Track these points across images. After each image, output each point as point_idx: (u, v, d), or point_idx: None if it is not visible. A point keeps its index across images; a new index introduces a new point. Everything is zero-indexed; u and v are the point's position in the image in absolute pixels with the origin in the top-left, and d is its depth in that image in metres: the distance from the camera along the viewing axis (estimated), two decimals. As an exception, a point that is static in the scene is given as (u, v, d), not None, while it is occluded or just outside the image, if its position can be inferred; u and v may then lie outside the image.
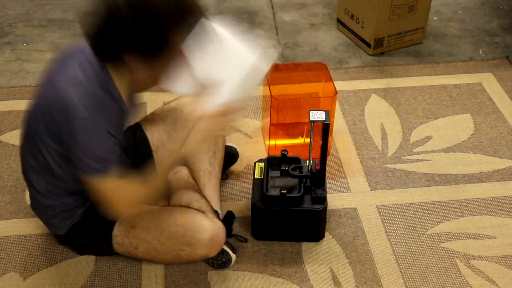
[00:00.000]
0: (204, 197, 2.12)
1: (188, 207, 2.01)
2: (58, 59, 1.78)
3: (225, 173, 2.40)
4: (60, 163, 1.79)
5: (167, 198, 2.12)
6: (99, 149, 1.67)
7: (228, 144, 2.38)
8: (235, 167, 2.44)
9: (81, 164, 1.69)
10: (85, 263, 2.09)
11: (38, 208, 2.00)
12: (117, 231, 1.95)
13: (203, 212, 1.98)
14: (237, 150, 2.41)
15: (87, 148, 1.66)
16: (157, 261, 2.03)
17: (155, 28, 1.57)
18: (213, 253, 1.96)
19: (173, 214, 1.96)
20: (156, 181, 1.78)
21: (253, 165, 2.25)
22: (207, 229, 1.91)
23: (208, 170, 2.19)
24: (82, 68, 1.68)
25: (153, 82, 1.74)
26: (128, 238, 1.95)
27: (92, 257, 2.11)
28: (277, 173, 2.19)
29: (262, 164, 2.23)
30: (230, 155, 2.38)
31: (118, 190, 1.72)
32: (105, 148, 1.68)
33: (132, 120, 1.96)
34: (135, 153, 2.10)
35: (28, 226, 2.22)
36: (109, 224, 1.96)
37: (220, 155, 2.23)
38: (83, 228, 1.98)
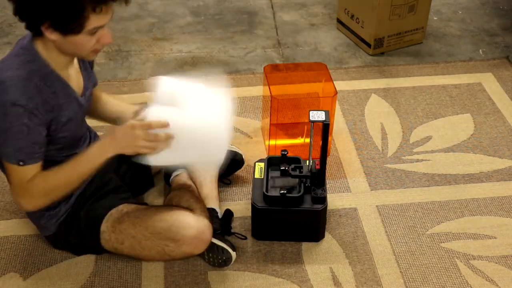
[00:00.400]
0: (197, 196, 2.13)
1: (176, 206, 2.03)
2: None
3: (228, 178, 2.40)
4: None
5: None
6: (12, 138, 1.70)
7: (234, 149, 2.38)
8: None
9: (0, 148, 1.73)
10: (85, 263, 2.09)
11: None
12: (104, 227, 1.97)
13: (191, 210, 1.99)
14: (243, 156, 2.40)
15: (2, 132, 1.70)
16: (143, 257, 2.04)
17: (70, 6, 1.61)
18: (198, 250, 1.96)
19: (159, 210, 1.98)
20: (65, 179, 1.81)
21: (253, 165, 2.25)
22: (191, 225, 1.91)
23: (204, 169, 2.20)
24: (15, 53, 1.75)
25: (77, 50, 1.75)
26: (115, 234, 1.96)
27: (92, 257, 2.11)
28: (277, 173, 2.19)
29: (262, 164, 2.23)
30: (235, 161, 2.37)
31: (27, 184, 1.76)
32: (18, 138, 1.71)
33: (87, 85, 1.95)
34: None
35: (28, 226, 2.22)
36: (97, 221, 1.96)
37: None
38: (71, 227, 1.99)
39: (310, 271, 2.09)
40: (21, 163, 1.74)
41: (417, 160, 2.55)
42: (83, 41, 1.70)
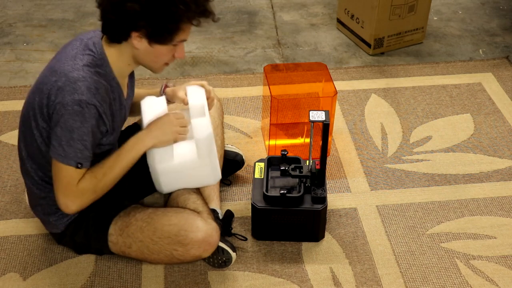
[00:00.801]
0: (202, 198, 2.12)
1: (183, 207, 2.02)
2: (58, 51, 1.85)
3: (229, 179, 2.40)
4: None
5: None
6: (78, 138, 1.71)
7: (234, 150, 2.39)
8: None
9: (56, 145, 1.72)
10: (85, 263, 2.09)
11: (35, 204, 2.01)
12: (112, 230, 1.96)
13: (198, 212, 1.99)
14: (243, 157, 2.40)
15: (69, 131, 1.70)
16: (150, 261, 2.04)
17: (169, 11, 1.65)
18: (206, 253, 1.96)
19: (167, 214, 1.97)
20: (103, 180, 1.83)
21: (253, 165, 2.25)
22: (200, 229, 1.91)
23: None
24: (82, 52, 1.75)
25: (152, 61, 1.81)
26: (122, 237, 1.96)
27: (92, 257, 2.11)
28: (277, 173, 2.19)
29: (262, 164, 2.23)
30: (235, 162, 2.37)
31: (76, 184, 1.77)
32: (83, 140, 1.72)
33: (130, 96, 2.00)
34: None
35: (28, 226, 2.22)
36: (105, 222, 1.96)
37: (218, 154, 2.23)
38: (79, 227, 1.99)
39: (310, 271, 2.09)
40: (79, 165, 1.74)
41: (417, 160, 2.55)
42: (164, 53, 1.76)
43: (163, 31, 1.69)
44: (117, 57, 1.78)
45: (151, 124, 1.90)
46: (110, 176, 1.83)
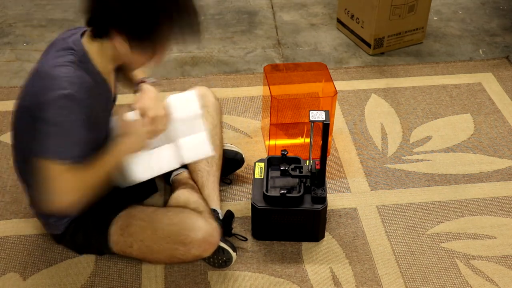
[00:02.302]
0: (203, 197, 2.12)
1: (184, 207, 2.02)
2: (42, 53, 1.84)
3: (229, 178, 2.40)
4: None
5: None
6: (64, 133, 1.68)
7: (234, 149, 2.39)
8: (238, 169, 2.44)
9: (41, 142, 1.68)
10: (85, 263, 2.09)
11: (34, 206, 2.01)
12: (112, 230, 1.96)
13: (199, 212, 1.99)
14: (243, 156, 2.40)
15: (54, 126, 1.66)
16: (151, 260, 2.04)
17: (151, 16, 1.62)
18: (207, 253, 1.96)
19: (168, 213, 1.97)
20: (95, 175, 1.78)
21: (253, 165, 2.25)
22: (201, 228, 1.91)
23: (206, 169, 2.20)
24: (63, 49, 1.74)
25: (131, 63, 1.80)
26: (123, 237, 1.95)
27: (92, 257, 2.11)
28: (277, 173, 2.19)
29: (262, 164, 2.23)
30: (235, 161, 2.38)
31: (62, 180, 1.71)
32: (69, 134, 1.69)
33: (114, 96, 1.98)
34: None
35: (28, 226, 2.22)
36: (106, 222, 1.96)
37: (217, 153, 2.23)
38: (79, 227, 1.99)
39: (310, 271, 2.09)
40: (63, 160, 1.69)
41: (417, 160, 2.55)
42: (144, 58, 1.74)
43: (144, 35, 1.66)
44: (98, 54, 1.75)
45: (130, 135, 1.87)
46: (95, 177, 1.78)
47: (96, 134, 1.85)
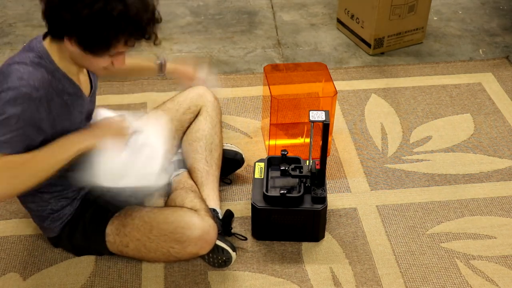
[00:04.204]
0: (200, 196, 2.13)
1: (181, 206, 2.02)
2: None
3: (229, 178, 2.40)
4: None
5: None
6: (3, 123, 1.62)
7: (233, 149, 2.39)
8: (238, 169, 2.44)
9: None
10: (85, 263, 2.09)
11: (28, 210, 2.02)
12: (109, 230, 1.97)
13: (195, 210, 1.99)
14: (243, 156, 2.40)
15: None
16: (148, 259, 2.04)
17: (101, 28, 1.60)
18: (203, 251, 1.96)
19: (163, 212, 1.97)
20: (34, 164, 1.69)
21: (253, 165, 2.25)
22: (196, 226, 1.91)
23: (205, 169, 2.20)
24: (24, 51, 1.73)
25: (90, 66, 1.77)
26: (119, 237, 1.96)
27: (92, 257, 2.11)
28: (277, 173, 2.19)
29: (262, 164, 2.23)
30: (235, 161, 2.38)
31: None
32: (8, 125, 1.62)
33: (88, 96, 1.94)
34: None
35: (28, 226, 2.22)
36: (102, 223, 1.96)
37: (217, 153, 2.23)
38: (75, 228, 1.99)
39: (310, 271, 2.09)
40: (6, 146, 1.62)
41: (417, 160, 2.55)
42: (98, 61, 1.71)
43: (95, 46, 1.65)
44: (58, 54, 1.73)
45: (91, 124, 1.85)
46: (33, 168, 1.68)
47: (61, 128, 1.77)
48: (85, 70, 1.88)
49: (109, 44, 1.64)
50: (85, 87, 1.87)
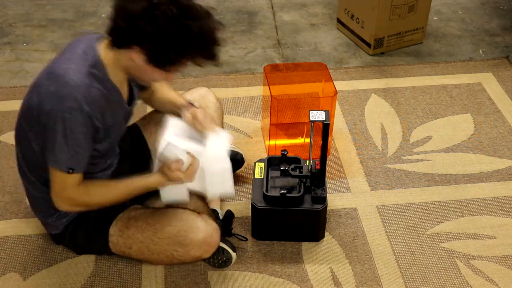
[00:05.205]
0: (202, 199, 2.12)
1: (184, 208, 2.02)
2: (58, 53, 1.83)
3: None
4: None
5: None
6: (70, 144, 1.70)
7: (234, 149, 2.39)
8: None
9: (51, 150, 1.72)
10: (85, 263, 2.09)
11: (34, 205, 2.01)
12: (112, 230, 1.96)
13: (198, 213, 1.99)
14: (243, 156, 2.40)
15: (61, 137, 1.69)
16: (151, 261, 2.04)
17: (177, 46, 1.63)
18: (207, 254, 1.96)
19: (167, 214, 1.96)
20: (97, 199, 1.85)
21: (253, 165, 2.25)
22: (200, 230, 1.91)
23: None
24: (76, 56, 1.74)
25: (143, 77, 1.79)
26: (122, 238, 1.95)
27: (92, 257, 2.11)
28: (277, 173, 2.19)
29: (262, 164, 2.23)
30: (235, 161, 2.37)
31: (67, 190, 1.78)
32: (75, 145, 1.71)
33: (130, 109, 1.97)
34: (133, 154, 2.11)
35: (28, 226, 2.22)
36: (106, 223, 1.96)
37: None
38: (79, 227, 1.99)
39: (310, 271, 2.09)
40: (70, 171, 1.74)
41: (417, 160, 2.55)
42: (156, 74, 1.74)
43: (163, 59, 1.67)
44: (113, 62, 1.75)
45: (159, 172, 1.86)
46: (103, 200, 1.86)
47: (109, 143, 1.87)
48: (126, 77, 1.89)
49: (179, 60, 1.68)
50: (124, 95, 1.88)
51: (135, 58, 1.68)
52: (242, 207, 2.31)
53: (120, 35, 1.67)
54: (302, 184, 2.13)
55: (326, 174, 2.21)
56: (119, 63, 1.75)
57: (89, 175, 1.84)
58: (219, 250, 2.03)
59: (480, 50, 3.27)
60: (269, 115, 2.44)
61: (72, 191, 1.78)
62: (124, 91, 1.87)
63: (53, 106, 1.67)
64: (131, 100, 1.93)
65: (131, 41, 1.66)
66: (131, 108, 1.94)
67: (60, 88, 1.67)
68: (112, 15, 1.67)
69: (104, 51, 1.74)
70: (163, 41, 1.62)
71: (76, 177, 1.77)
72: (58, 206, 1.83)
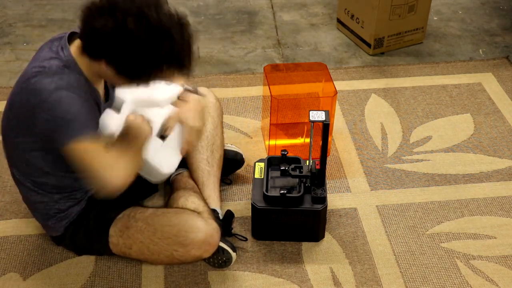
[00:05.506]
0: (202, 197, 2.12)
1: (183, 208, 2.02)
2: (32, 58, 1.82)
3: (229, 178, 2.40)
4: (39, 156, 1.82)
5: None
6: (80, 116, 1.68)
7: (234, 149, 2.39)
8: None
9: (64, 130, 1.67)
10: (85, 263, 2.09)
11: (33, 209, 2.02)
12: (112, 231, 1.96)
13: (198, 213, 1.99)
14: (243, 156, 2.40)
15: (69, 115, 1.66)
16: (151, 261, 2.04)
17: (145, 65, 1.62)
18: (207, 254, 1.96)
19: (167, 214, 1.96)
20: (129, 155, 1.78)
21: (253, 165, 2.25)
22: (200, 229, 1.91)
23: (207, 169, 2.20)
24: (51, 56, 1.72)
25: (116, 84, 1.79)
26: (122, 239, 1.95)
27: (92, 257, 2.11)
28: (277, 173, 2.19)
29: (262, 164, 2.23)
30: (235, 161, 2.37)
31: (101, 156, 1.71)
32: (86, 115, 1.69)
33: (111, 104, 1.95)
34: None
35: (28, 226, 2.22)
36: (105, 224, 1.96)
37: (218, 154, 2.23)
38: (79, 228, 1.99)
39: (310, 271, 2.09)
40: (92, 135, 1.68)
41: (417, 160, 2.55)
42: (129, 83, 1.72)
43: (133, 75, 1.66)
44: (86, 65, 1.73)
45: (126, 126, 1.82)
46: (128, 160, 1.78)
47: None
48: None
49: (149, 77, 1.66)
50: (102, 95, 1.87)
51: (106, 70, 1.68)
52: (242, 207, 2.31)
53: (88, 47, 1.67)
54: (302, 184, 2.13)
55: (326, 174, 2.21)
56: (92, 69, 1.74)
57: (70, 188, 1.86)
58: (219, 250, 2.03)
59: (480, 50, 3.27)
60: (269, 115, 2.44)
61: (110, 157, 1.71)
62: (99, 88, 1.86)
63: (47, 112, 1.65)
64: (107, 97, 1.91)
65: (99, 56, 1.65)
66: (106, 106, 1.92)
67: (48, 95, 1.66)
68: (80, 28, 1.65)
69: (76, 54, 1.73)
70: (131, 60, 1.61)
71: (98, 141, 1.71)
72: (112, 187, 1.73)
